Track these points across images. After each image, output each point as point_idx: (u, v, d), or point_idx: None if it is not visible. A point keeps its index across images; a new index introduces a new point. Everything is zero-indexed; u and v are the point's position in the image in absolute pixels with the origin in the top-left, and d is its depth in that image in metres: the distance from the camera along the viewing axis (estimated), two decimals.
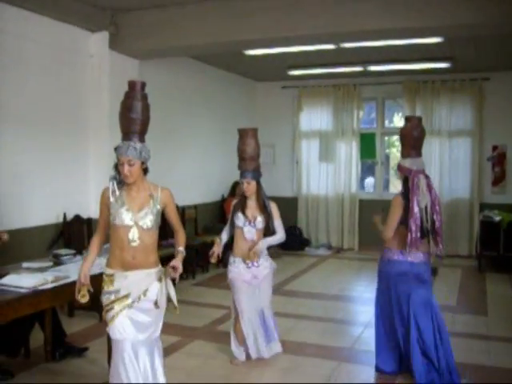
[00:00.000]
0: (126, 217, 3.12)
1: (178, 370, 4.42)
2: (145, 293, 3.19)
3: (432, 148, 9.51)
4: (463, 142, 9.51)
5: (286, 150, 10.83)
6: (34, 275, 3.81)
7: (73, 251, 4.54)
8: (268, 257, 4.63)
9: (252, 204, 4.53)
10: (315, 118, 10.33)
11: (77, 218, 6.10)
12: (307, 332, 5.40)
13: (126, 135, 3.12)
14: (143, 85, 3.19)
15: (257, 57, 7.99)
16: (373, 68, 9.00)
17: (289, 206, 10.25)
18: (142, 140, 3.15)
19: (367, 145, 10.09)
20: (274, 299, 6.53)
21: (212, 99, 9.26)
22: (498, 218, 8.28)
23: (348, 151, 10.09)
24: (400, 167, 4.24)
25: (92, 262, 3.34)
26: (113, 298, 3.17)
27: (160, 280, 3.26)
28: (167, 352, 4.77)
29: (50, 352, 4.59)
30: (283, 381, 4.29)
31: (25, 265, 4.23)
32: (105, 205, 3.20)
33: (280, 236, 4.55)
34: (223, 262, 4.79)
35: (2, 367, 4.24)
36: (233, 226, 4.55)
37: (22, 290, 3.50)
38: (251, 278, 4.48)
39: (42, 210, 5.82)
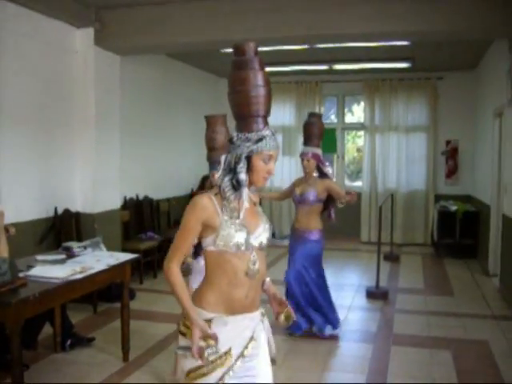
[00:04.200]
0: (243, 238, 2.12)
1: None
2: (248, 345, 2.18)
3: (390, 143, 10.09)
4: (419, 137, 10.06)
5: None
6: (61, 266, 3.93)
7: (83, 243, 4.65)
8: None
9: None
10: (278, 113, 10.58)
11: (66, 212, 6.16)
12: None
13: (250, 120, 2.13)
14: (256, 48, 2.17)
15: (225, 54, 8.16)
16: (337, 66, 9.39)
17: None
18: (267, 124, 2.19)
19: (328, 139, 10.49)
20: None
21: (181, 95, 9.43)
22: (454, 208, 8.90)
23: None
24: (314, 155, 4.92)
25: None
26: (212, 356, 2.09)
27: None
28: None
29: (59, 343, 4.72)
30: None
31: (39, 257, 4.30)
32: (201, 222, 2.12)
33: None
34: None
35: None
36: None
37: (56, 281, 3.60)
38: None
39: (33, 204, 5.82)
